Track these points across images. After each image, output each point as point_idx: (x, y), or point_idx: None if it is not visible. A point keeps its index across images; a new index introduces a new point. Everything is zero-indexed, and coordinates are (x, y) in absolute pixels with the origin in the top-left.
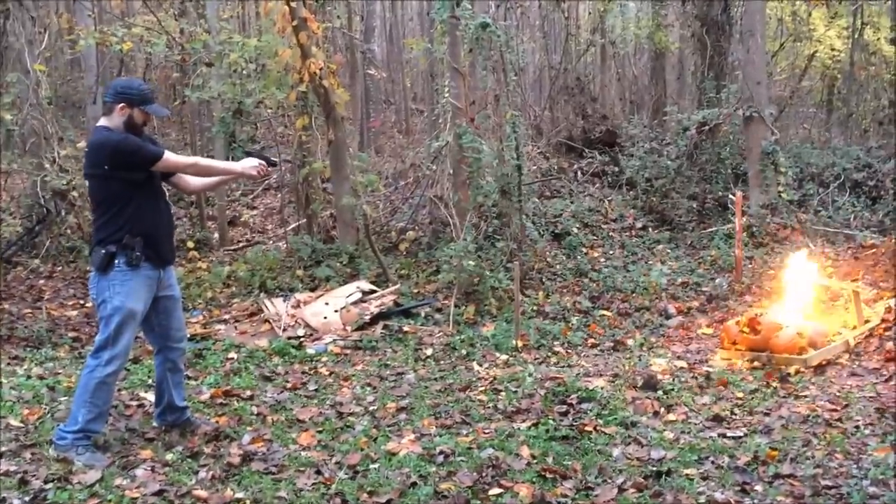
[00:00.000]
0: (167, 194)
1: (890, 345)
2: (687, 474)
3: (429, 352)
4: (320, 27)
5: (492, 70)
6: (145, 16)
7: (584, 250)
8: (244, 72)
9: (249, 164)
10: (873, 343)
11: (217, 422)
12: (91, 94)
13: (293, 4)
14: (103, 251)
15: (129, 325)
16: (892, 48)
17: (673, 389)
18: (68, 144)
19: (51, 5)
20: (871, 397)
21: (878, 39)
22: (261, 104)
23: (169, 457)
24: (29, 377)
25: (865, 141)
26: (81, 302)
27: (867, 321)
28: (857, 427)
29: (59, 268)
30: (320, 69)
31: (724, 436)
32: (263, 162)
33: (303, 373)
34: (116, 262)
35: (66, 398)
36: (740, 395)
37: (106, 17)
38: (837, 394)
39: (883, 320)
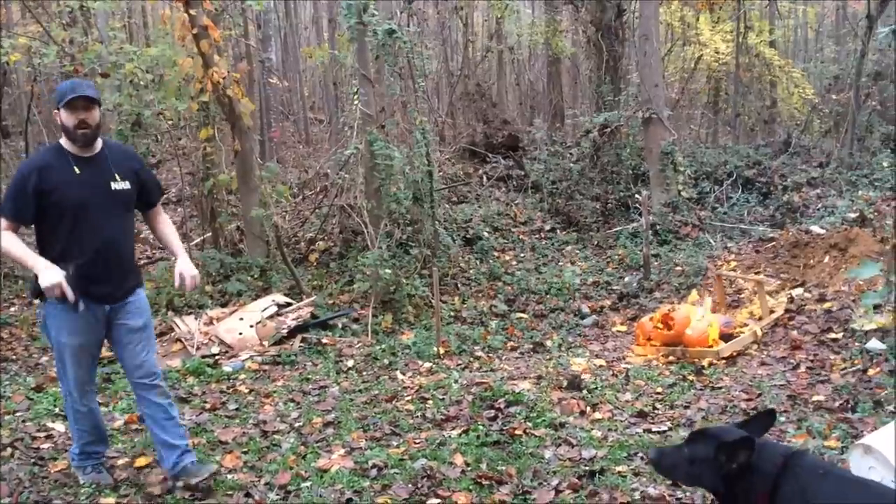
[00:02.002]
0: (124, 223)
1: (795, 333)
2: (619, 471)
3: (350, 363)
4: (221, 35)
5: (399, 76)
6: (28, 25)
7: (496, 254)
8: (141, 82)
9: (52, 278)
10: (779, 333)
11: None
12: None
13: (193, 12)
14: (36, 281)
15: (71, 358)
16: (772, 51)
17: (596, 388)
18: None
19: None
20: (781, 385)
21: (760, 43)
22: (160, 115)
23: (83, 490)
24: None
25: (752, 139)
26: None
27: (772, 311)
28: None
29: None
30: (223, 78)
31: (649, 431)
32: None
33: (221, 392)
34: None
35: None
36: (660, 389)
37: None
38: (750, 383)
39: (786, 310)
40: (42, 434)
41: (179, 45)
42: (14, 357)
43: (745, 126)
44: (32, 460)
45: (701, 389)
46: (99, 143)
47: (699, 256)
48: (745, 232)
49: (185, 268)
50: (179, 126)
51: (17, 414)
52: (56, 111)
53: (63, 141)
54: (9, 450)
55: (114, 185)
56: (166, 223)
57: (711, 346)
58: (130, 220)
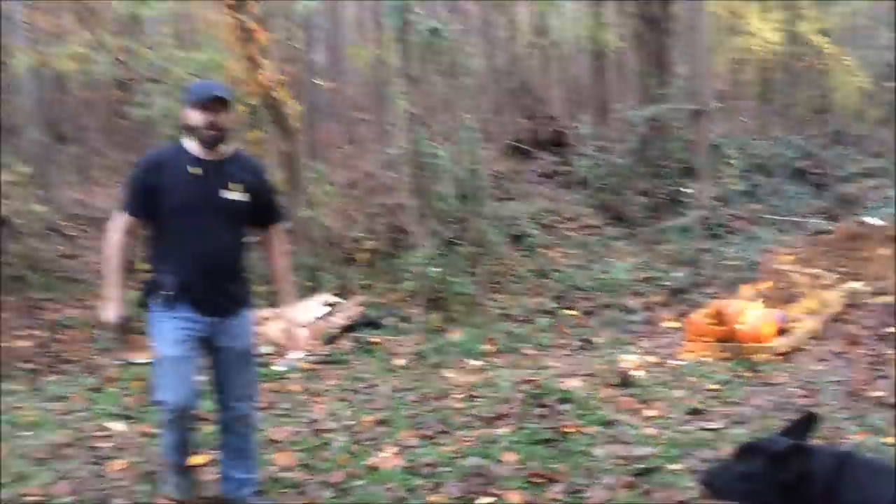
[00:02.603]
0: (233, 235)
1: (852, 328)
2: (673, 470)
3: (400, 362)
4: (267, 38)
5: (443, 74)
6: (83, 34)
7: (544, 251)
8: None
9: (106, 316)
10: (836, 328)
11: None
12: (30, 117)
13: (240, 16)
14: (144, 286)
15: (168, 370)
16: (824, 39)
17: (647, 385)
18: (9, 170)
19: None
20: (839, 381)
21: (812, 31)
22: None
23: (141, 488)
24: None
25: (804, 130)
26: (33, 332)
27: (828, 306)
28: (831, 412)
29: (6, 298)
30: (270, 81)
31: (703, 428)
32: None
33: (272, 391)
34: (153, 300)
35: (28, 433)
36: (713, 386)
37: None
38: (807, 380)
39: (843, 305)
40: (101, 434)
41: (227, 50)
42: (74, 358)
43: (796, 116)
44: (93, 459)
45: (756, 386)
46: (224, 149)
47: (751, 250)
48: (799, 224)
49: (293, 319)
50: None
51: (78, 414)
52: (186, 110)
53: (186, 140)
54: (70, 449)
55: (224, 194)
56: (281, 254)
57: (766, 342)
58: (242, 233)
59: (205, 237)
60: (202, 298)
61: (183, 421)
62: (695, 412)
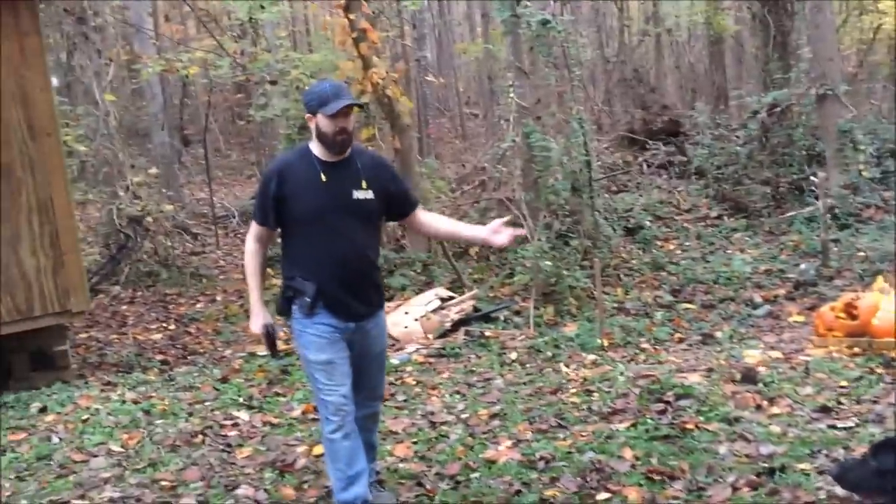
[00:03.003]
0: (366, 236)
1: None
2: (801, 469)
3: (513, 356)
4: (378, 37)
5: (553, 67)
6: (203, 40)
7: (659, 243)
8: (306, 88)
9: (254, 327)
10: None
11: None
12: (157, 121)
13: (352, 17)
14: (282, 295)
15: (320, 376)
16: None
17: (772, 381)
18: (140, 171)
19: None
20: None
21: None
22: None
23: (267, 475)
24: (123, 402)
25: None
26: (164, 325)
27: None
28: None
29: (140, 293)
30: (382, 79)
31: (833, 427)
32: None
33: (389, 384)
34: (293, 308)
35: (161, 421)
36: (844, 383)
37: (164, 45)
38: None
39: None
40: (229, 422)
41: (340, 50)
42: (201, 350)
43: None
44: (221, 447)
45: (891, 383)
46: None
47: (885, 240)
48: None
49: (497, 225)
50: None
51: (206, 403)
52: (310, 116)
53: (313, 144)
54: (199, 437)
55: (356, 194)
56: (437, 217)
57: None
58: (374, 234)
59: (339, 241)
60: (341, 303)
61: (347, 424)
62: (824, 410)
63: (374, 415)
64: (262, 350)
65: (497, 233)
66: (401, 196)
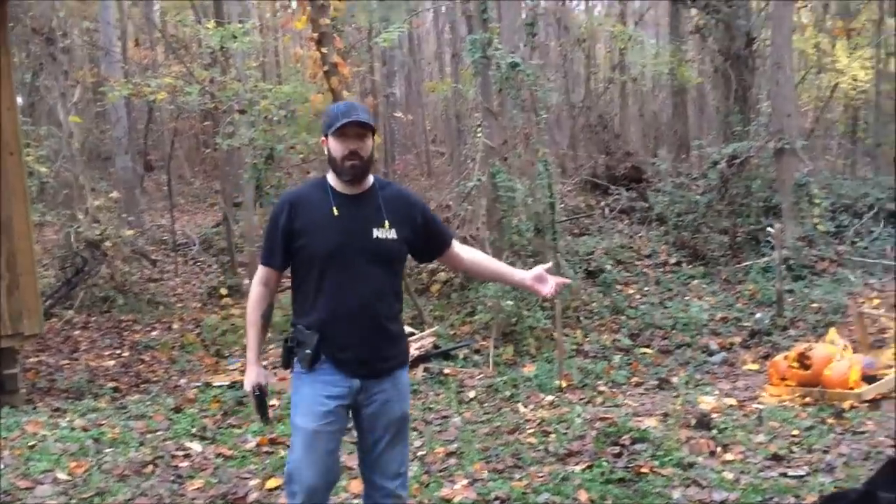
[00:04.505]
0: (385, 281)
1: None
2: None
3: (472, 394)
4: (349, 72)
5: (521, 109)
6: (172, 66)
7: (619, 287)
8: (274, 118)
9: (246, 384)
10: None
11: None
12: (121, 145)
13: (324, 50)
14: (284, 345)
15: (298, 444)
16: None
17: (726, 428)
18: (100, 195)
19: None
20: None
21: None
22: (292, 149)
23: None
24: (72, 429)
25: (894, 170)
26: (118, 352)
27: None
28: None
29: (94, 318)
30: None
31: (785, 475)
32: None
33: None
34: (295, 359)
35: (111, 449)
36: (796, 432)
37: (133, 70)
38: None
39: None
40: (181, 453)
41: (310, 82)
42: (155, 379)
43: (886, 156)
44: (171, 478)
45: (841, 433)
46: (370, 181)
47: (838, 293)
48: (889, 268)
49: (542, 272)
50: (310, 159)
51: (158, 433)
52: (323, 139)
53: (329, 175)
54: (150, 467)
55: (376, 233)
56: (472, 251)
57: (853, 389)
58: (395, 279)
59: (353, 286)
60: (348, 357)
61: None
62: (776, 458)
63: (394, 497)
64: (217, 380)
65: (542, 280)
66: (434, 232)
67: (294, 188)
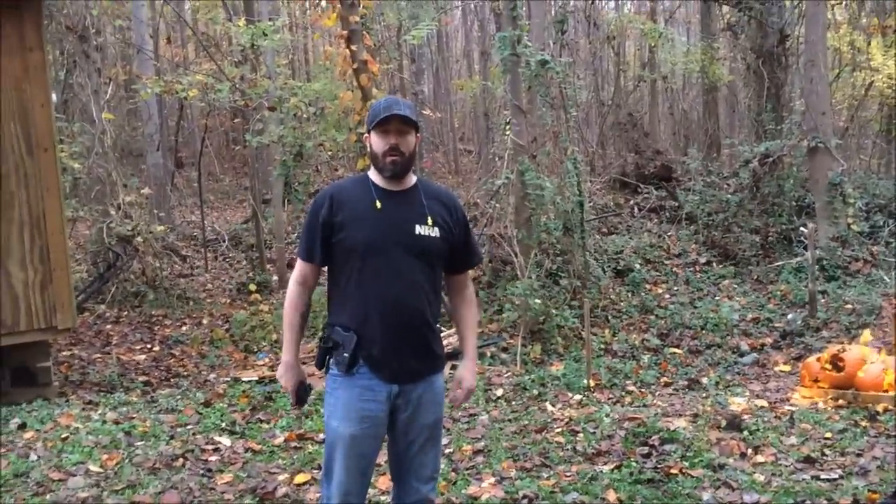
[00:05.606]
0: (426, 280)
1: None
2: None
3: (499, 392)
4: (378, 69)
5: (550, 107)
6: (203, 64)
7: (648, 287)
8: (304, 115)
9: (283, 381)
10: None
11: None
12: (152, 141)
13: (354, 48)
14: (320, 346)
15: (338, 452)
16: None
17: (757, 430)
18: (132, 191)
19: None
20: None
21: None
22: (321, 147)
23: (247, 502)
24: (104, 422)
25: None
26: (149, 346)
27: None
28: None
29: (125, 313)
30: None
31: (818, 478)
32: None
33: None
34: (331, 361)
35: (142, 442)
36: (828, 434)
37: (164, 67)
38: None
39: None
40: (210, 447)
41: (340, 80)
42: (185, 373)
43: None
44: (201, 472)
45: (875, 436)
46: (412, 179)
47: (872, 294)
48: None
49: (468, 376)
50: (338, 156)
51: (188, 427)
52: (366, 135)
53: (371, 171)
54: (180, 460)
55: (419, 229)
56: (469, 303)
57: (887, 391)
58: (436, 280)
59: (393, 283)
60: (386, 360)
61: None
62: (808, 460)
63: (425, 502)
64: (246, 376)
65: (456, 387)
66: (464, 247)
67: (336, 182)
